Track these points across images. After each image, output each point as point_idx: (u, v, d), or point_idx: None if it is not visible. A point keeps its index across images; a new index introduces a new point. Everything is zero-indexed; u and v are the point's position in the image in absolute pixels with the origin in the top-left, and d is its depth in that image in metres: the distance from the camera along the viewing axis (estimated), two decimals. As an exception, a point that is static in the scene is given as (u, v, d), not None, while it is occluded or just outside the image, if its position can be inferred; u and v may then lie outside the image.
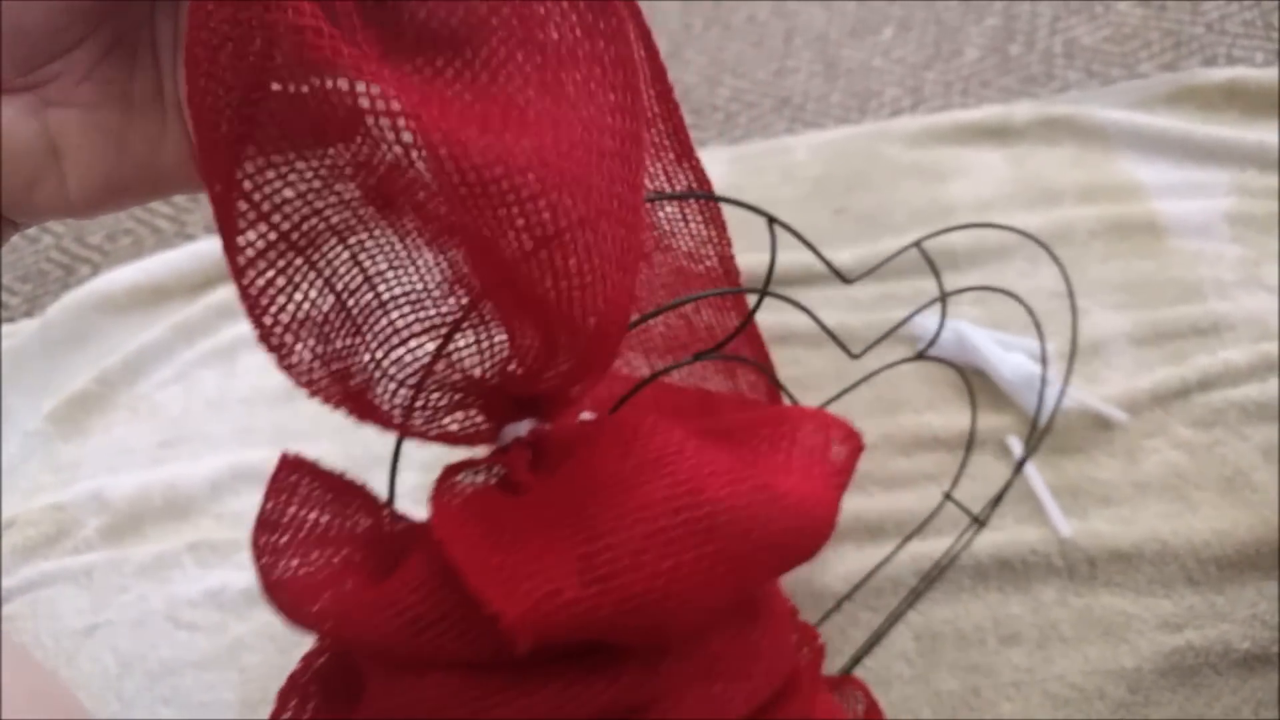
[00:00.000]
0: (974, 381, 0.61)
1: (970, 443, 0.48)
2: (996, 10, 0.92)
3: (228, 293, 0.75)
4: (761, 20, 0.98)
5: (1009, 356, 0.60)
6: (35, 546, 0.61)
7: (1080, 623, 0.50)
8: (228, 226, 0.21)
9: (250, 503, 0.62)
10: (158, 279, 0.76)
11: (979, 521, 0.50)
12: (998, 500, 0.52)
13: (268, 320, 0.22)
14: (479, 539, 0.23)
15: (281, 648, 0.55)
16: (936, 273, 0.37)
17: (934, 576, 0.51)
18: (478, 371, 0.25)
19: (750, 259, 0.43)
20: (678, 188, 0.31)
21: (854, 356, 0.37)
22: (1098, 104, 0.78)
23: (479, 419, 0.27)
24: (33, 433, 0.68)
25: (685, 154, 0.29)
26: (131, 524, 0.62)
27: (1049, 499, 0.54)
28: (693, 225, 0.33)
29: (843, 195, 0.76)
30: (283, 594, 0.24)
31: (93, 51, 0.26)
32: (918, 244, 0.36)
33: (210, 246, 0.78)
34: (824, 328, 0.35)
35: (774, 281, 0.35)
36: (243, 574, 0.58)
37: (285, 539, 0.25)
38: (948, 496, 0.50)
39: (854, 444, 0.30)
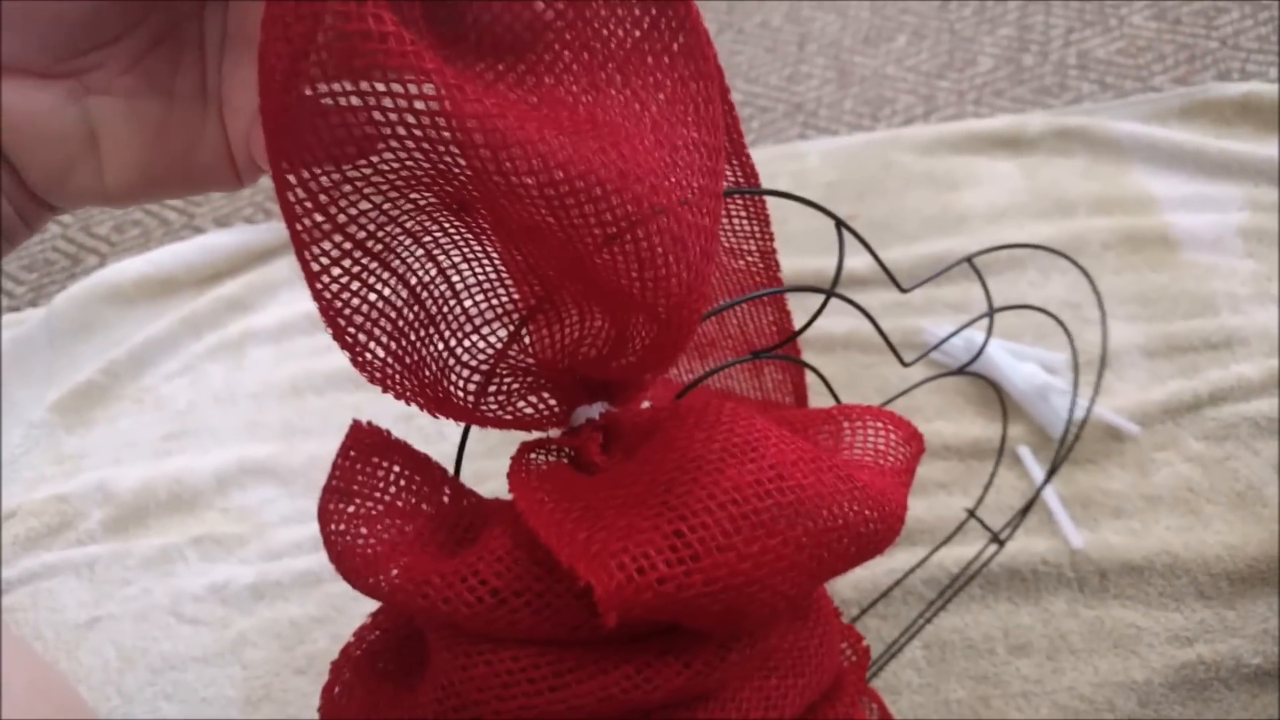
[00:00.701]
0: (987, 392, 0.61)
1: (999, 459, 0.49)
2: (1010, 20, 0.92)
3: (236, 286, 0.75)
4: (775, 26, 0.98)
5: (1021, 366, 0.60)
6: (37, 537, 0.61)
7: (1090, 635, 0.50)
8: (299, 235, 0.21)
9: (257, 497, 0.62)
10: (166, 271, 0.76)
11: (999, 541, 0.50)
12: (1023, 514, 0.52)
13: (341, 321, 0.22)
14: (562, 513, 0.23)
15: (285, 644, 0.55)
16: (986, 289, 0.38)
17: (950, 596, 0.51)
18: (549, 354, 0.26)
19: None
20: (725, 183, 0.31)
21: (906, 364, 0.37)
22: (1111, 116, 0.78)
23: (552, 402, 0.27)
24: (37, 423, 0.68)
25: (736, 150, 0.29)
26: (135, 516, 0.61)
27: (1061, 510, 0.54)
28: (736, 220, 0.33)
29: (854, 202, 0.76)
30: (351, 563, 0.24)
31: (138, 44, 0.27)
32: (969, 259, 0.36)
33: (219, 240, 0.78)
34: (883, 335, 0.35)
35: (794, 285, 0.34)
36: (247, 569, 0.58)
37: (353, 508, 0.25)
38: (971, 514, 0.50)
39: (917, 445, 0.30)
